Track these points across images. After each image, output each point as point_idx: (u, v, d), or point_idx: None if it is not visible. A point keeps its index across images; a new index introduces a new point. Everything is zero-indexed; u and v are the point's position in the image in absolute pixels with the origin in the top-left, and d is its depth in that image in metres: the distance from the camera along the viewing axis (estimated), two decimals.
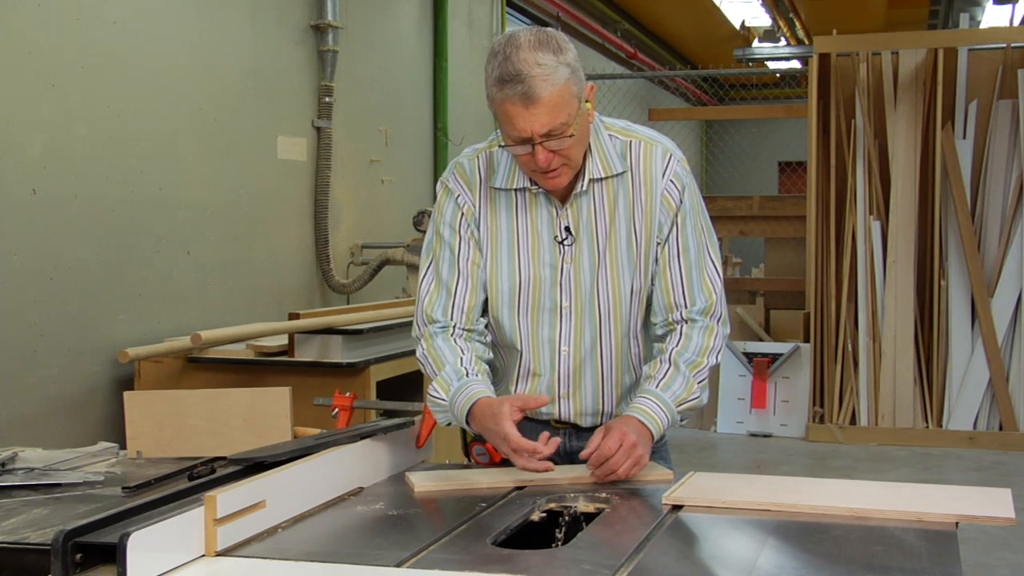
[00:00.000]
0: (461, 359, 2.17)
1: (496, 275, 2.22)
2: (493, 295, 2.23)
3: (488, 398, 2.09)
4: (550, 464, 2.05)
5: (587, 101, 2.10)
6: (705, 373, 2.19)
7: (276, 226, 5.03)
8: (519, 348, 2.24)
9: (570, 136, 2.04)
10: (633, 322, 2.23)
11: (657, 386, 2.15)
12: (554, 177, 2.10)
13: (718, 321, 2.23)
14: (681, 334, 2.20)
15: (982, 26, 10.37)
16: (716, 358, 2.21)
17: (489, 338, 2.28)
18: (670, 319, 2.21)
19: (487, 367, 2.21)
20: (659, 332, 2.24)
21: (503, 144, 2.10)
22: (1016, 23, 10.28)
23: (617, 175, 2.19)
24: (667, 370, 2.17)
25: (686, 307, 2.20)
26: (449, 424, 2.21)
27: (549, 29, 2.10)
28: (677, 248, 2.20)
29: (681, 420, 2.20)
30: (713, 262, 2.23)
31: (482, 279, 2.23)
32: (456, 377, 2.14)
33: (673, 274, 2.20)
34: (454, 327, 2.22)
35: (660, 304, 2.22)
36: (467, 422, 2.12)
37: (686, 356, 2.18)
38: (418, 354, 2.24)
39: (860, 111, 7.40)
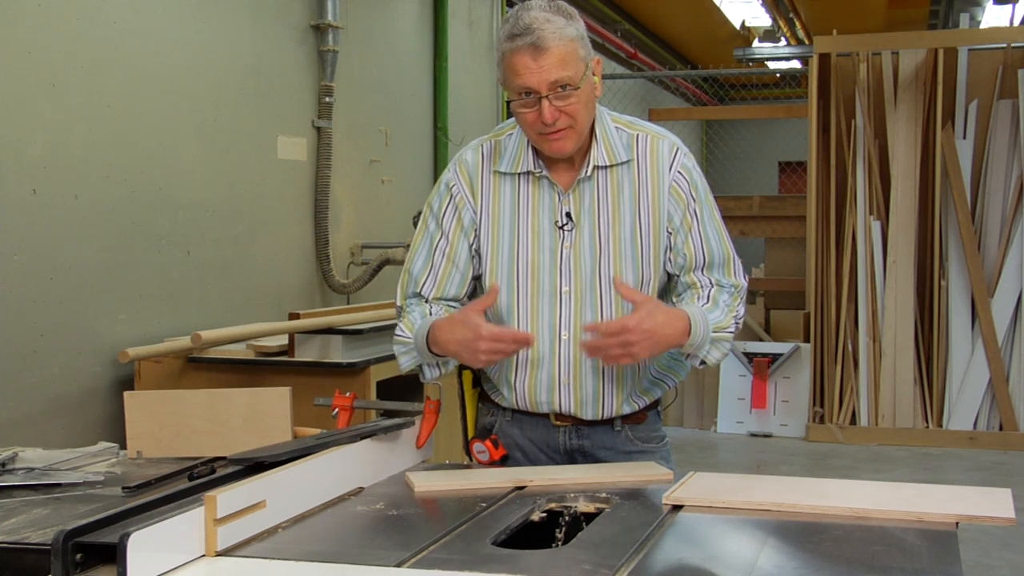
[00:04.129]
0: (430, 310, 2.25)
1: (496, 259, 2.25)
2: (492, 279, 2.25)
3: (445, 317, 2.18)
4: (530, 335, 2.14)
5: (595, 75, 2.16)
6: (734, 322, 2.22)
7: (276, 226, 5.03)
8: None
9: (576, 89, 2.09)
10: None
11: (701, 305, 2.18)
12: (558, 139, 2.14)
13: (743, 299, 2.28)
14: (713, 287, 2.25)
15: (982, 26, 10.37)
16: (739, 324, 2.26)
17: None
18: (699, 288, 2.25)
19: None
20: (688, 293, 2.28)
21: (509, 100, 2.15)
22: (1016, 23, 10.28)
23: (622, 164, 2.23)
24: (706, 302, 2.22)
25: (712, 279, 2.26)
26: (416, 370, 2.26)
27: (561, 1, 2.16)
28: (700, 238, 2.24)
29: (703, 357, 2.18)
30: (735, 254, 2.30)
31: (462, 267, 2.28)
32: (420, 318, 2.22)
33: (698, 262, 2.25)
34: (425, 301, 2.30)
35: (685, 284, 2.27)
36: (429, 347, 2.16)
37: (723, 298, 2.23)
38: (396, 333, 2.30)
39: (860, 111, 7.40)
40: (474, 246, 2.28)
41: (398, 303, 2.33)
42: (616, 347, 2.04)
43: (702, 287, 2.25)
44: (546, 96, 2.08)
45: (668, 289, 2.32)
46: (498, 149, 2.28)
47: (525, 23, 2.08)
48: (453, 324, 2.12)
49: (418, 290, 2.30)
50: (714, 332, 2.16)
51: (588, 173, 2.21)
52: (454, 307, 2.29)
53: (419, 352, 2.21)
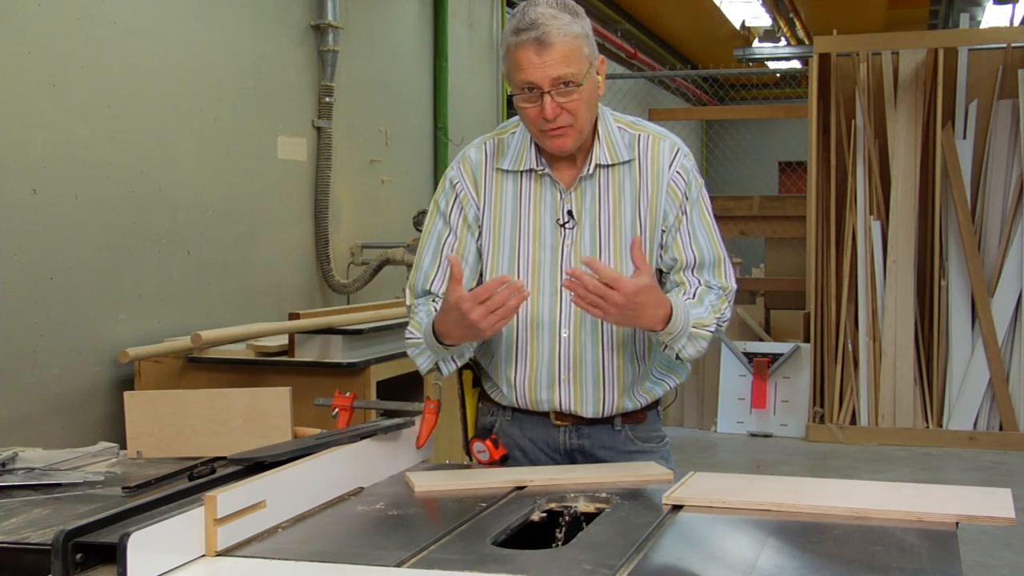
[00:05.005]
0: (435, 308, 2.23)
1: (497, 256, 2.26)
2: (494, 276, 2.25)
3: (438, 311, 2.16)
4: (508, 278, 2.04)
5: (598, 74, 2.17)
6: (716, 322, 2.22)
7: (276, 226, 5.03)
8: (518, 331, 2.25)
9: (578, 86, 2.09)
10: None
11: (684, 299, 2.19)
12: (559, 136, 2.14)
13: (730, 302, 2.28)
14: (700, 287, 2.25)
15: (982, 26, 10.37)
16: (723, 325, 2.26)
17: None
18: (687, 287, 2.26)
19: None
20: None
21: (512, 94, 2.15)
22: (1016, 23, 10.28)
23: (623, 163, 2.24)
24: (692, 297, 2.22)
25: (700, 280, 2.26)
26: (433, 370, 2.25)
27: None
28: (688, 236, 2.25)
29: (678, 351, 2.16)
30: (726, 255, 2.30)
31: (471, 263, 2.28)
32: (427, 316, 2.21)
33: (688, 260, 2.25)
34: (434, 299, 2.30)
35: (673, 283, 2.28)
36: (436, 337, 2.15)
37: (709, 298, 2.23)
38: (406, 333, 2.32)
39: (860, 111, 7.40)
40: (478, 242, 2.28)
41: (408, 302, 2.34)
42: (595, 296, 1.99)
43: (690, 286, 2.26)
44: (548, 92, 2.09)
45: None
46: (501, 147, 2.29)
47: (531, 18, 2.08)
48: (445, 313, 2.11)
49: (428, 287, 2.30)
50: (693, 327, 2.15)
51: (590, 171, 2.22)
52: None
53: (432, 350, 2.21)
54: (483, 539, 1.75)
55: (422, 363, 2.26)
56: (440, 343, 2.16)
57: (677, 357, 2.21)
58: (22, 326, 3.63)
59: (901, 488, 2.00)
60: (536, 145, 2.23)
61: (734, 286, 2.30)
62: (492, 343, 2.33)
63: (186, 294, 4.40)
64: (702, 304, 2.21)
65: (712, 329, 2.20)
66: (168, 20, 4.30)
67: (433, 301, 2.29)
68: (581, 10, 2.16)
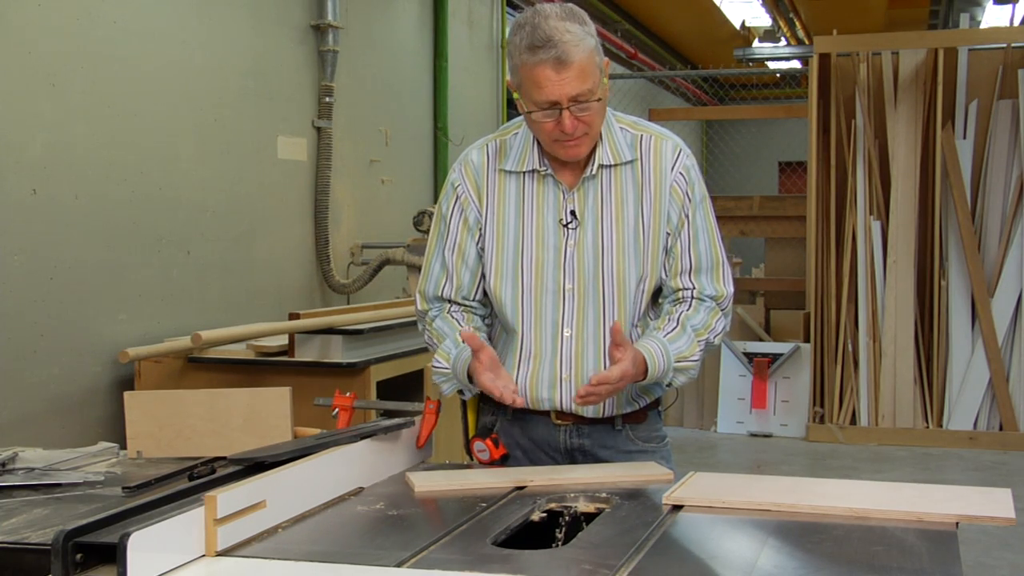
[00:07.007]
0: (459, 331, 2.25)
1: (501, 256, 2.27)
2: (497, 277, 2.26)
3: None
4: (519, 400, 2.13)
5: (605, 78, 2.18)
6: (704, 345, 2.26)
7: (276, 226, 5.03)
8: (520, 330, 2.26)
9: (596, 101, 2.11)
10: (638, 310, 2.27)
11: (665, 336, 2.22)
12: (576, 146, 2.16)
13: (724, 311, 2.31)
14: (691, 305, 2.28)
15: (982, 26, 10.37)
16: (716, 339, 2.29)
17: (487, 310, 2.37)
18: (680, 296, 2.29)
19: (485, 335, 2.30)
20: (666, 306, 2.31)
21: (528, 110, 2.15)
22: (1016, 23, 10.28)
23: (626, 163, 2.25)
24: (674, 328, 2.24)
25: (695, 289, 2.28)
26: (460, 393, 2.31)
27: (570, 4, 2.17)
28: (689, 240, 2.27)
29: (669, 381, 2.25)
30: (725, 260, 2.32)
31: (471, 265, 2.30)
32: (454, 345, 2.24)
33: (685, 264, 2.27)
34: (449, 305, 2.32)
35: (670, 288, 2.30)
36: (470, 381, 2.20)
37: (694, 322, 2.25)
38: (425, 339, 2.36)
39: (860, 111, 7.40)
40: (479, 244, 2.29)
41: (420, 307, 2.36)
42: (606, 393, 2.11)
43: (682, 299, 2.28)
44: (567, 107, 2.09)
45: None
46: (503, 148, 2.30)
47: (545, 34, 2.06)
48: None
49: (439, 293, 2.32)
50: (677, 363, 2.21)
51: (593, 172, 2.23)
52: (472, 306, 2.33)
53: (463, 386, 2.26)
54: (483, 539, 1.75)
55: (446, 389, 2.29)
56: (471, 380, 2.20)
57: (668, 385, 2.27)
58: (22, 326, 3.63)
59: (901, 488, 2.00)
60: (539, 146, 2.24)
61: (730, 292, 2.32)
62: (494, 342, 2.33)
63: (186, 294, 4.40)
64: (684, 333, 2.23)
65: (697, 358, 2.24)
66: (168, 20, 4.30)
67: (449, 306, 2.31)
68: (586, 15, 2.16)
